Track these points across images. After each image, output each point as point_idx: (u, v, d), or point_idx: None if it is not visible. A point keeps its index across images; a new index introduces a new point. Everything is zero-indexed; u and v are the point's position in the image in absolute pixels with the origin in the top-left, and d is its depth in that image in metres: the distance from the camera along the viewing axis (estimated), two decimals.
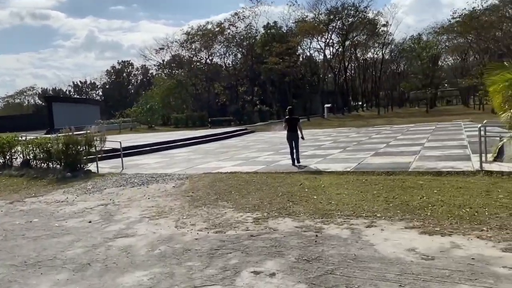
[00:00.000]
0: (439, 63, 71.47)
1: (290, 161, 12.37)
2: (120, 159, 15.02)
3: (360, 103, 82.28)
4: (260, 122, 48.08)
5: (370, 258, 4.51)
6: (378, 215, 6.20)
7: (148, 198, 8.65)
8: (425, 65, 62.42)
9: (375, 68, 73.84)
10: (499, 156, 10.28)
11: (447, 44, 60.19)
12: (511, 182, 7.85)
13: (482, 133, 9.82)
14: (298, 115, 13.40)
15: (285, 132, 12.63)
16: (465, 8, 47.48)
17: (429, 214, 6.02)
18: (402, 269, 4.16)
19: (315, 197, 7.68)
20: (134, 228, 6.47)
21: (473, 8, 43.81)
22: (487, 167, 9.25)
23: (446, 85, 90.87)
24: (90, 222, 7.08)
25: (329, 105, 57.02)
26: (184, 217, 6.85)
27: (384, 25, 60.83)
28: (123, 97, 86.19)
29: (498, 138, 10.97)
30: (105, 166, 14.70)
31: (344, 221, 6.01)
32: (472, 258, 4.31)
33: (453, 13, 48.57)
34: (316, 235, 5.44)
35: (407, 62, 76.49)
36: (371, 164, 11.40)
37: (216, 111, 54.41)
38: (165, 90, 58.82)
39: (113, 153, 16.61)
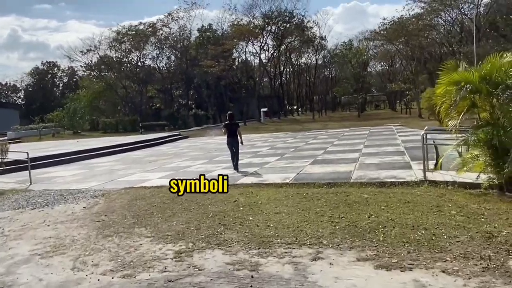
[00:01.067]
0: (368, 69, 74.23)
1: (225, 171, 11.37)
2: (32, 171, 13.07)
3: (295, 107, 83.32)
4: (196, 126, 46.50)
5: None
6: (324, 242, 5.25)
7: (48, 225, 7.03)
8: (356, 70, 64.37)
9: (309, 73, 75.09)
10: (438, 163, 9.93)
11: (375, 51, 62.64)
12: (458, 194, 7.34)
13: (424, 140, 9.40)
14: (236, 119, 12.82)
15: (222, 137, 11.93)
16: (394, 16, 49.72)
17: (381, 239, 5.18)
18: None
19: (251, 218, 6.61)
20: (16, 272, 4.94)
21: (401, 15, 45.81)
22: (430, 176, 8.78)
23: (374, 90, 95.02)
24: None
25: (265, 109, 56.74)
26: (87, 253, 5.43)
27: (322, 38, 62.18)
28: (48, 100, 79.61)
29: (433, 145, 10.70)
30: (10, 181, 12.67)
31: (285, 252, 4.98)
32: None
33: (383, 19, 50.58)
34: (252, 276, 4.34)
35: (339, 68, 78.59)
36: (311, 174, 10.60)
37: (149, 116, 51.78)
38: (93, 93, 55.12)
39: (24, 165, 14.41)
